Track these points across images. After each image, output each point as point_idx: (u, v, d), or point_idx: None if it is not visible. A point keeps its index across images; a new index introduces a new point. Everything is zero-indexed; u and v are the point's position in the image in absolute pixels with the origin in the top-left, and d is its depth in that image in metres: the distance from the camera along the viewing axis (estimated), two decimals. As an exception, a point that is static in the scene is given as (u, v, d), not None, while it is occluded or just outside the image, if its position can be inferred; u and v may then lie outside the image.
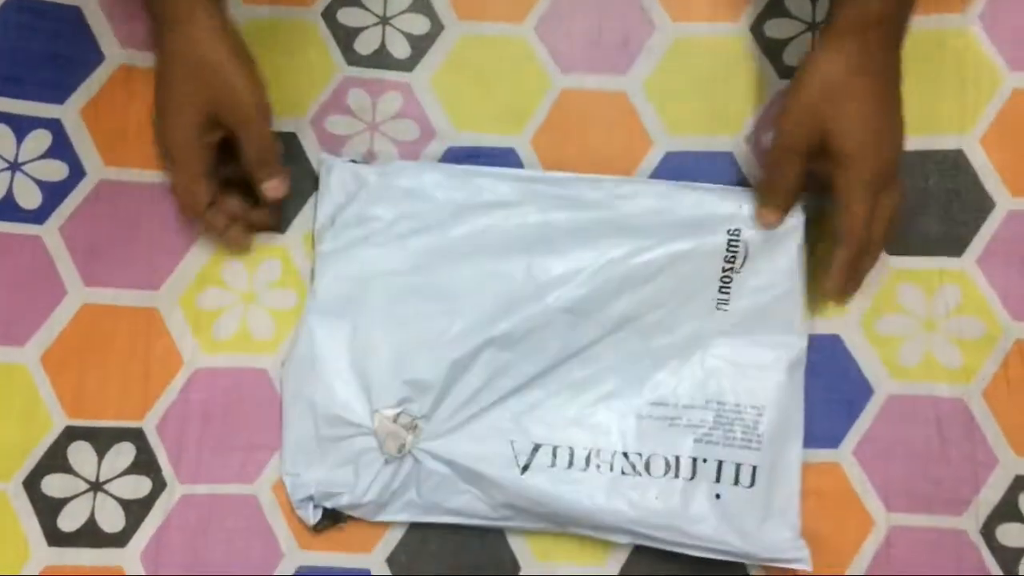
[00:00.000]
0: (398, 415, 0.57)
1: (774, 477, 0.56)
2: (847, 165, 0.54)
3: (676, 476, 0.56)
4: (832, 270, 0.56)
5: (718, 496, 0.56)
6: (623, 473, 0.56)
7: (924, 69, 0.61)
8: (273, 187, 0.58)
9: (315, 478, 0.57)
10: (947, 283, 0.59)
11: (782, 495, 0.56)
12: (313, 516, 0.57)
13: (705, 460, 0.56)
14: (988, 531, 0.56)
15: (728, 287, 0.58)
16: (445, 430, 0.57)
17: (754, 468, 0.56)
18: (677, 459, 0.56)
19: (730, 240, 0.58)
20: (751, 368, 0.57)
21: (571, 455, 0.56)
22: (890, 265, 0.60)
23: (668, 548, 0.56)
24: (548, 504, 0.56)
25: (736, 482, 0.56)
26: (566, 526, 0.57)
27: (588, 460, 0.56)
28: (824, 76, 0.54)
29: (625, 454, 0.56)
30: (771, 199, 0.58)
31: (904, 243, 0.60)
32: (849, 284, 0.57)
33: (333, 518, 0.57)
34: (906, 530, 0.57)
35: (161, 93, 0.57)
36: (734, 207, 0.58)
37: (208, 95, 0.55)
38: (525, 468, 0.56)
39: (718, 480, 0.56)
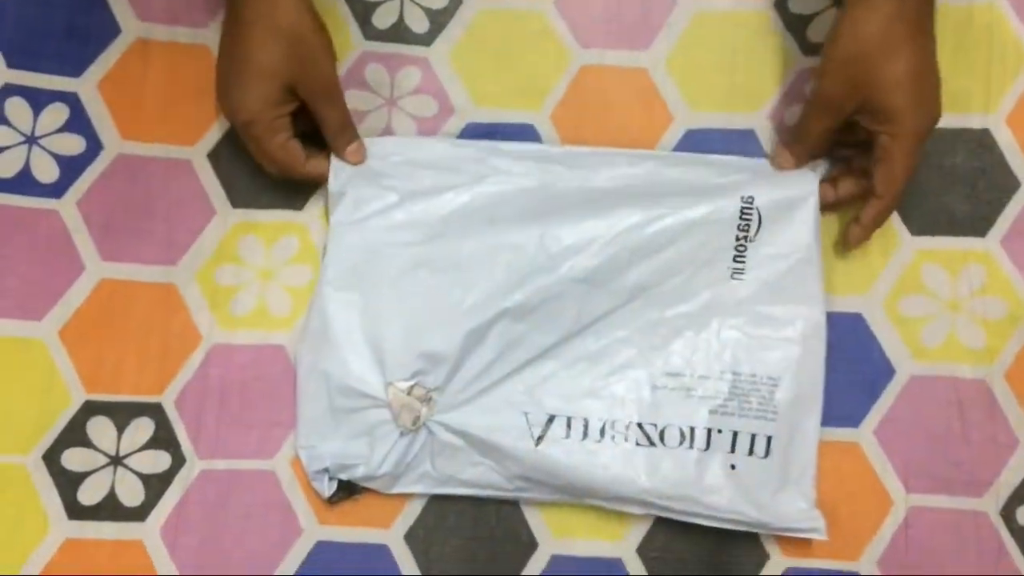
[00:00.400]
0: (412, 387, 0.57)
1: (790, 448, 0.56)
2: (893, 120, 0.54)
3: (691, 447, 0.56)
4: (864, 221, 0.56)
5: (733, 467, 0.56)
6: (638, 444, 0.56)
7: (951, 45, 0.60)
8: (354, 151, 0.59)
9: (330, 450, 0.57)
10: (972, 263, 0.59)
11: (797, 465, 0.56)
12: (328, 488, 0.57)
13: (720, 431, 0.56)
14: (1008, 513, 0.56)
15: (743, 256, 0.57)
16: (459, 402, 0.57)
17: (769, 438, 0.56)
18: (692, 430, 0.56)
19: (743, 208, 0.57)
20: (767, 338, 0.57)
21: (586, 426, 0.56)
22: (915, 245, 0.59)
23: (683, 519, 0.56)
24: (563, 475, 0.56)
25: (751, 452, 0.56)
26: (581, 497, 0.57)
27: (603, 431, 0.56)
28: (863, 31, 0.53)
29: (640, 425, 0.56)
30: (795, 146, 0.58)
31: (929, 223, 0.59)
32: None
33: (348, 490, 0.57)
34: (925, 511, 0.57)
35: (235, 60, 0.56)
36: (747, 175, 0.58)
37: (291, 65, 0.55)
38: (539, 439, 0.56)
39: (733, 450, 0.56)
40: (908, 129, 0.54)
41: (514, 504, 0.58)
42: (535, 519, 0.58)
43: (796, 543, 0.57)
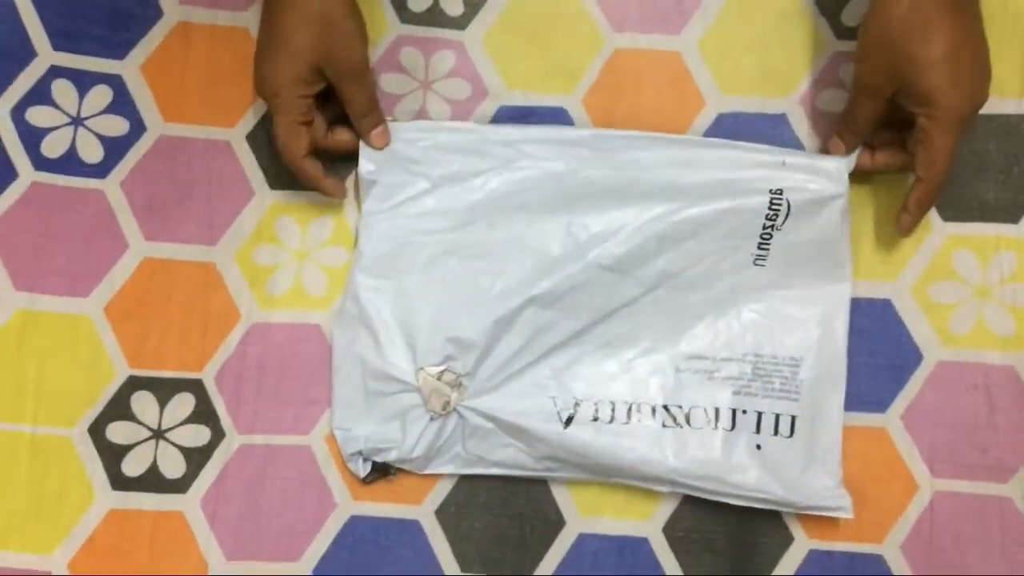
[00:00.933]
0: (442, 372, 0.58)
1: (815, 427, 0.57)
2: (930, 102, 0.53)
3: (716, 427, 0.57)
4: (910, 206, 0.56)
5: (759, 447, 0.57)
6: (664, 425, 0.57)
7: (986, 30, 0.59)
8: (379, 135, 0.60)
9: (364, 433, 0.58)
10: (1003, 250, 0.59)
11: (823, 444, 0.57)
12: (363, 469, 0.58)
13: (744, 411, 0.57)
14: (1034, 499, 0.57)
15: (767, 243, 0.58)
16: (488, 387, 0.58)
17: (793, 418, 0.57)
18: (717, 411, 0.57)
19: (772, 199, 0.57)
20: (788, 320, 0.58)
21: (612, 409, 0.57)
22: (946, 232, 0.59)
23: (710, 497, 0.57)
24: (591, 456, 0.57)
25: (776, 432, 0.57)
26: (609, 476, 0.58)
27: (629, 413, 0.57)
28: (896, 12, 0.52)
29: (666, 407, 0.57)
30: (845, 134, 0.58)
31: (961, 209, 0.59)
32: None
33: (383, 470, 0.59)
34: (950, 496, 0.57)
35: (270, 40, 0.57)
36: (778, 167, 0.58)
37: (322, 48, 0.56)
38: (567, 422, 0.57)
39: (758, 431, 0.57)
40: (946, 111, 0.53)
41: (543, 483, 0.59)
42: (563, 498, 0.59)
43: (820, 525, 0.57)
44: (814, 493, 0.56)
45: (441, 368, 0.58)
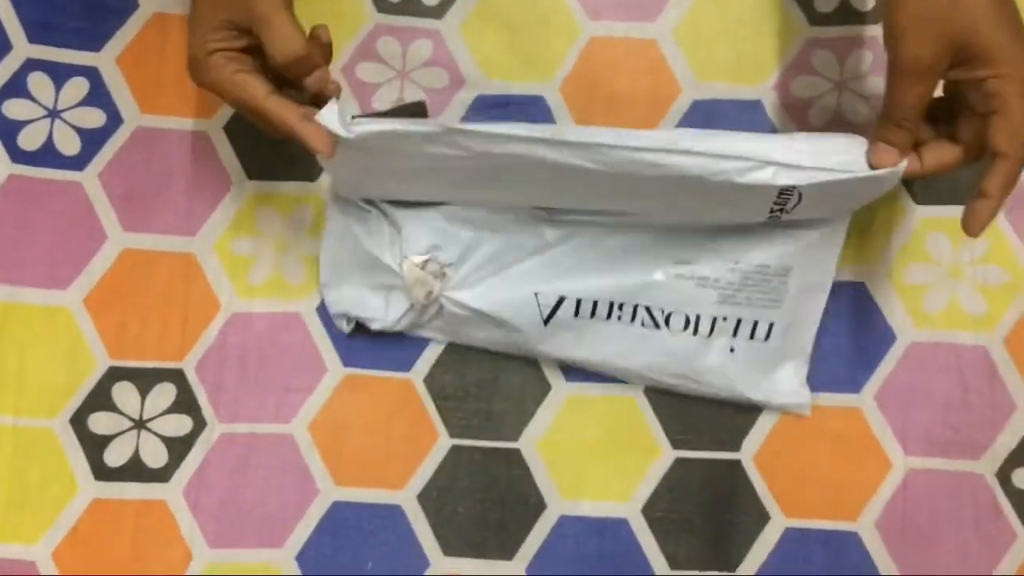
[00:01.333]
0: (426, 262, 0.58)
1: (790, 331, 0.58)
2: (997, 59, 0.47)
3: (695, 333, 0.58)
4: (991, 190, 0.49)
5: (732, 349, 0.58)
6: (643, 325, 0.58)
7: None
8: (315, 80, 0.53)
9: (349, 295, 0.60)
10: (974, 232, 0.60)
11: (795, 346, 0.58)
12: (348, 326, 0.60)
13: (725, 319, 0.58)
14: (1004, 475, 0.57)
15: (777, 216, 0.55)
16: (472, 282, 0.59)
17: (771, 324, 0.58)
18: (698, 317, 0.58)
19: (782, 191, 0.52)
20: (785, 231, 0.57)
21: (594, 307, 0.58)
22: (920, 214, 0.60)
23: (680, 391, 0.59)
24: (569, 353, 0.59)
25: (752, 337, 0.58)
26: (585, 368, 0.60)
27: (610, 312, 0.58)
28: None
29: (648, 308, 0.58)
30: (893, 133, 0.51)
31: (935, 192, 0.60)
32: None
33: (366, 327, 0.60)
34: (923, 473, 0.58)
35: (190, 13, 0.54)
36: (784, 160, 0.51)
37: (227, 2, 0.52)
38: (548, 319, 0.58)
39: (735, 335, 0.58)
40: (1017, 65, 0.47)
41: (524, 468, 0.59)
42: (544, 481, 0.59)
43: (797, 503, 0.58)
44: (778, 392, 0.58)
45: (425, 257, 0.58)
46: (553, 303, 0.58)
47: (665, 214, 0.57)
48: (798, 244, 0.57)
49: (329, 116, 0.51)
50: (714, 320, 0.58)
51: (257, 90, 0.52)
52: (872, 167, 0.51)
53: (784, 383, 0.58)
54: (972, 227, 0.50)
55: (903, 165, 0.50)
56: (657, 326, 0.58)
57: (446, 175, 0.56)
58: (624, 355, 0.58)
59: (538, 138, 0.52)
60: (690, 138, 0.53)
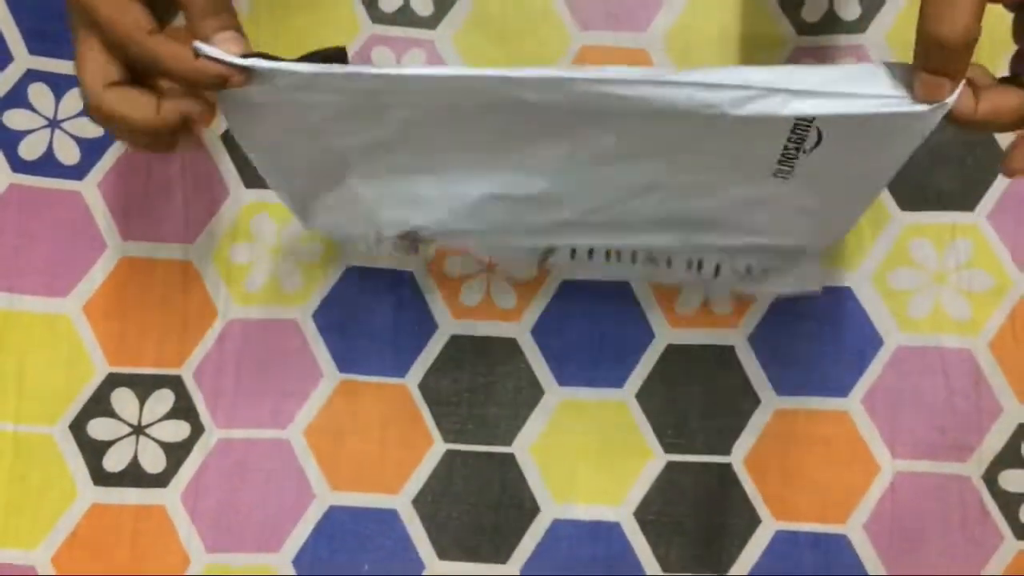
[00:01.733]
0: (406, 233, 0.57)
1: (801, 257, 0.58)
2: None
3: (699, 274, 0.58)
4: None
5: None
6: (644, 264, 0.59)
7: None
8: (225, 39, 0.42)
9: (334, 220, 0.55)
10: (959, 237, 0.60)
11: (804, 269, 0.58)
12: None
13: (732, 266, 0.58)
14: (990, 477, 0.58)
15: (791, 161, 0.44)
16: (461, 232, 0.55)
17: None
18: (700, 261, 0.58)
19: (796, 125, 0.41)
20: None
21: (590, 250, 0.59)
22: (904, 221, 0.61)
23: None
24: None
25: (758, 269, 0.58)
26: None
27: (608, 255, 0.59)
28: None
29: (648, 252, 0.58)
30: (938, 63, 0.38)
31: (919, 199, 0.61)
32: None
33: None
34: (911, 476, 0.59)
35: None
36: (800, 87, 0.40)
37: None
38: (544, 259, 0.59)
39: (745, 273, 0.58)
40: None
41: (518, 472, 0.60)
42: (538, 487, 0.60)
43: (787, 507, 0.59)
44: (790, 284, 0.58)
45: (405, 231, 0.56)
46: (543, 249, 0.59)
47: (653, 181, 0.49)
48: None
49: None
50: (718, 266, 0.58)
51: (142, 22, 0.43)
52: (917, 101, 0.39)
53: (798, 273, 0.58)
54: (1013, 166, 0.42)
55: (953, 98, 0.39)
56: (657, 265, 0.58)
57: (373, 149, 0.46)
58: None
59: (493, 76, 0.40)
60: (677, 73, 0.41)
